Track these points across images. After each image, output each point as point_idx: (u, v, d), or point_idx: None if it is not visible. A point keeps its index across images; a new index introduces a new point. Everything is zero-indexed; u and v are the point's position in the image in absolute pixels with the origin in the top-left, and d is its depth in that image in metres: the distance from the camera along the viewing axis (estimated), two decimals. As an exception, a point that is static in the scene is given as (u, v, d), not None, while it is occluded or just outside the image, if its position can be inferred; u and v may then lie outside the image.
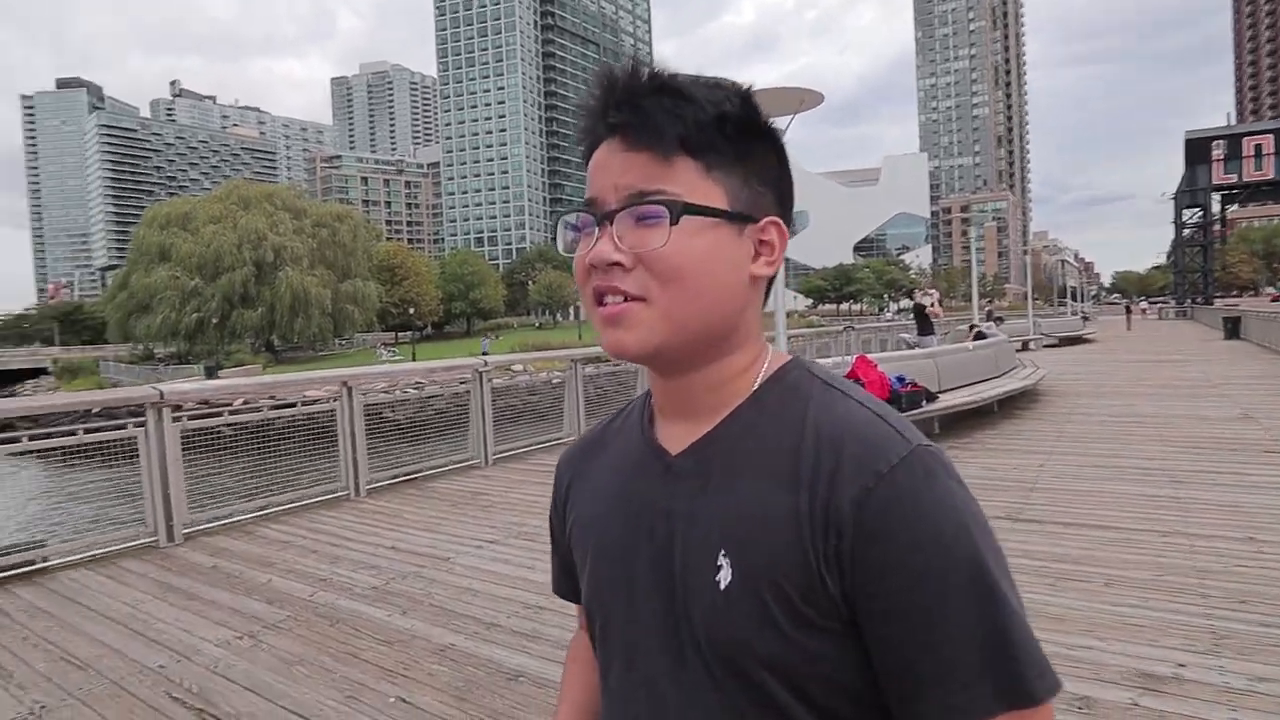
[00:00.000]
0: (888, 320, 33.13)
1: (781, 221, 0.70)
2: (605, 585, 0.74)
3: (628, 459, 0.76)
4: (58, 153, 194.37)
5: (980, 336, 13.16)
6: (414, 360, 41.16)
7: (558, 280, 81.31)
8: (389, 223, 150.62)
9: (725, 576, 0.63)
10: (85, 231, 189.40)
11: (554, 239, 0.75)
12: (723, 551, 0.64)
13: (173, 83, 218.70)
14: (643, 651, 0.70)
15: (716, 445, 0.69)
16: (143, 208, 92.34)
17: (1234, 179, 56.39)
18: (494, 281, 78.64)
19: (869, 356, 8.49)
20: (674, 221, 0.63)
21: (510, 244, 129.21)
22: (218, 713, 2.75)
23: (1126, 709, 2.57)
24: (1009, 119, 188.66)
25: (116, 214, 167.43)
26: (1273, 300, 58.37)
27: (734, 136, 0.67)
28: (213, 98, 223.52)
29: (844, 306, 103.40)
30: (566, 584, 0.86)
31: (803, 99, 6.78)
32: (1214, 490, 5.38)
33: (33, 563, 4.51)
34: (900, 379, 8.22)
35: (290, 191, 59.06)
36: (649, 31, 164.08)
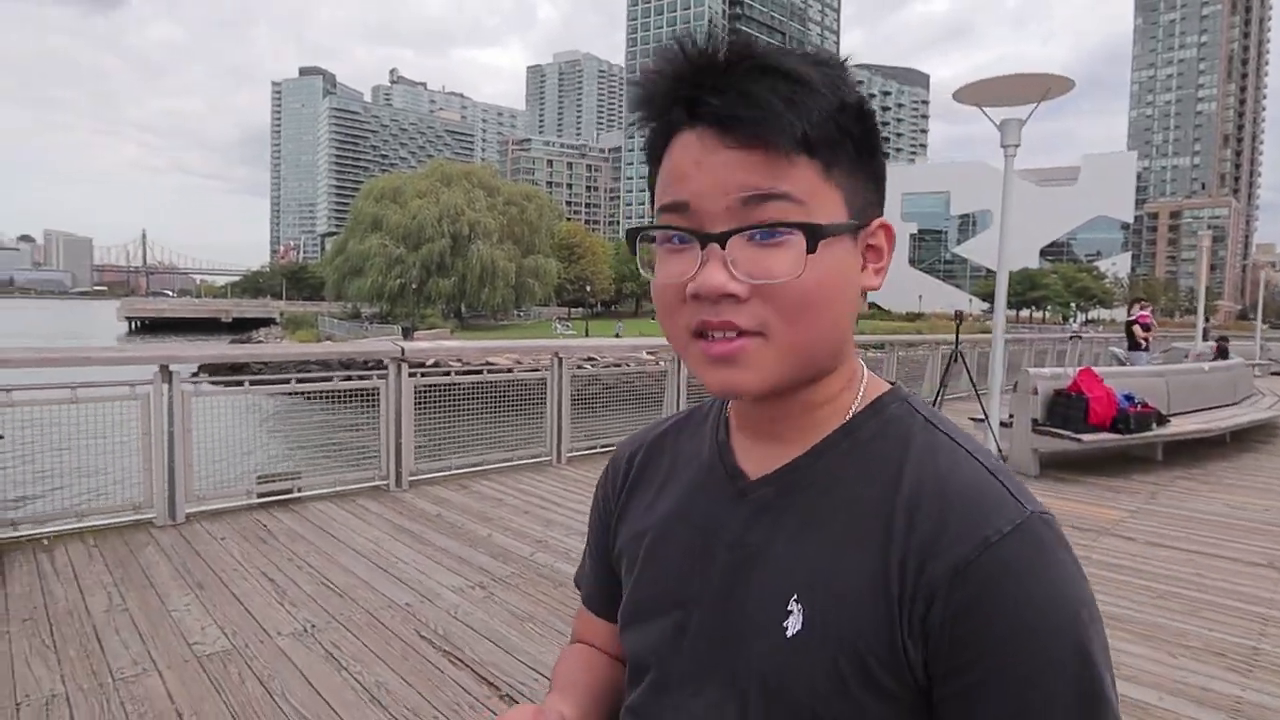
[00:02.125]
0: (1071, 332, 30.32)
1: (888, 222, 0.61)
2: (652, 603, 0.67)
3: (697, 473, 0.69)
4: (296, 131, 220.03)
5: (1224, 354, 11.60)
6: (586, 335, 42.68)
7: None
8: (569, 203, 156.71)
9: (794, 624, 0.57)
10: (312, 202, 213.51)
11: (633, 251, 0.62)
12: (795, 597, 0.58)
13: (391, 70, 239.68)
14: (679, 678, 0.64)
15: (801, 476, 0.62)
16: (359, 182, 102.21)
17: None
18: (665, 265, 79.66)
19: (1095, 370, 7.70)
20: (811, 249, 0.53)
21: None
22: (463, 657, 2.92)
23: None
24: (1240, 115, 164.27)
25: (338, 187, 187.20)
26: None
27: (852, 129, 0.56)
28: (423, 84, 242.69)
29: (1024, 313, 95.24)
30: (594, 590, 0.82)
31: (1049, 87, 6.20)
32: None
33: (289, 491, 5.06)
34: (1129, 397, 7.40)
35: (486, 171, 62.71)
36: (838, 20, 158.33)
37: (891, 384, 0.66)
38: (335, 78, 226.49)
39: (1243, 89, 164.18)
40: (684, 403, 7.61)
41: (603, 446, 7.09)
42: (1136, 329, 13.38)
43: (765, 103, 0.53)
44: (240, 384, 4.81)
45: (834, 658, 0.55)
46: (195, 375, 4.90)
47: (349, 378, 5.34)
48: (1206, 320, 19.61)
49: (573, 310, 73.22)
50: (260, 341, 43.91)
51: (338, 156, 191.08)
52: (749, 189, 0.54)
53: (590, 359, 10.60)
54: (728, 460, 0.67)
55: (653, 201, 0.61)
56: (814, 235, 0.54)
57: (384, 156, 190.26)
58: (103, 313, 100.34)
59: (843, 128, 0.56)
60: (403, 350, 5.41)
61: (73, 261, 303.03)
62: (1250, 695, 2.80)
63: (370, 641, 3.03)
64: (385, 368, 5.43)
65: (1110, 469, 6.97)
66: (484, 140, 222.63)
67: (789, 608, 0.58)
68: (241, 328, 68.54)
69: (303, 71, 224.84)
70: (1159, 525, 5.14)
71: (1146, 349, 13.18)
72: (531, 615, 3.32)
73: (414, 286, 50.78)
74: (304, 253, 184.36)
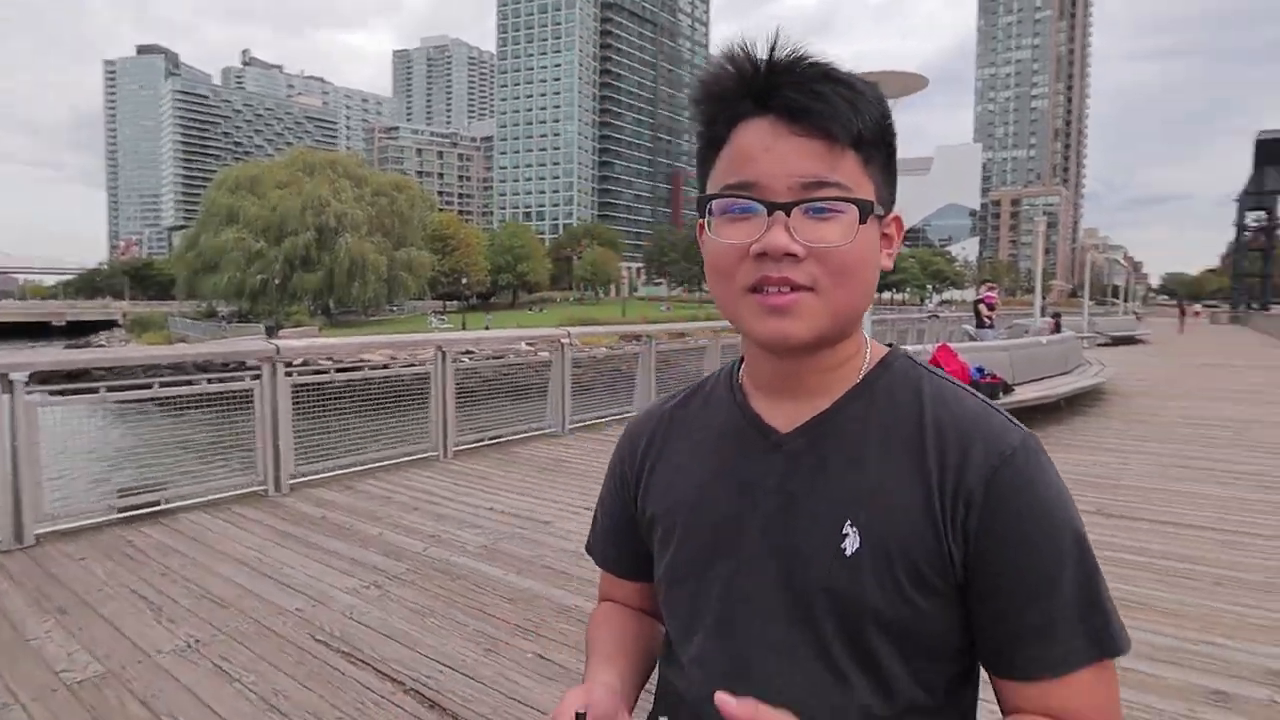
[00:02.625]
0: (928, 312, 32.90)
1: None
2: (702, 556, 0.75)
3: (723, 435, 0.78)
4: (134, 116, 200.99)
5: (1058, 329, 12.86)
6: (464, 328, 41.80)
7: (602, 257, 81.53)
8: (441, 194, 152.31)
9: (852, 544, 0.68)
10: (156, 192, 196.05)
11: (700, 218, 0.72)
12: (849, 522, 0.68)
13: (243, 51, 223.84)
14: (743, 618, 0.72)
15: (830, 426, 0.73)
16: (211, 171, 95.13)
17: (1305, 181, 54.07)
18: (541, 255, 79.16)
19: (951, 346, 8.37)
20: (863, 220, 0.66)
21: (558, 220, 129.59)
22: (363, 656, 2.87)
23: (1266, 705, 2.55)
24: (1068, 112, 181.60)
25: (185, 176, 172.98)
26: None
27: (888, 135, 0.70)
28: (280, 67, 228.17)
29: (885, 295, 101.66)
30: (619, 557, 0.90)
31: (905, 84, 6.64)
32: None
33: (156, 504, 4.73)
34: (980, 370, 8.11)
35: (352, 160, 60.06)
36: (707, 12, 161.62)
37: (889, 346, 0.80)
38: (178, 57, 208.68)
39: (1069, 88, 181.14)
40: (569, 391, 7.67)
41: (490, 439, 7.04)
42: (982, 308, 14.68)
43: (832, 100, 0.65)
44: (95, 391, 4.44)
45: (890, 567, 0.67)
46: (28, 384, 4.47)
47: (218, 380, 5.04)
48: (1043, 298, 21.63)
49: (448, 303, 71.45)
50: (102, 346, 40.16)
51: (184, 143, 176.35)
52: (809, 175, 0.65)
53: (469, 352, 10.46)
54: (754, 419, 0.76)
55: (701, 181, 0.73)
56: (865, 210, 0.67)
57: (238, 144, 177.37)
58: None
59: (884, 131, 0.69)
60: (278, 349, 5.16)
61: None
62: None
63: (262, 650, 2.92)
64: (259, 368, 5.17)
65: (965, 436, 7.61)
66: (348, 128, 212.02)
67: (844, 531, 0.68)
68: (78, 332, 62.14)
69: (141, 50, 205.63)
70: (1007, 484, 5.67)
71: (992, 326, 14.46)
72: (430, 609, 3.29)
73: (277, 282, 48.03)
74: (148, 248, 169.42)
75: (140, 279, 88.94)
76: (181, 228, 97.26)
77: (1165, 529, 4.53)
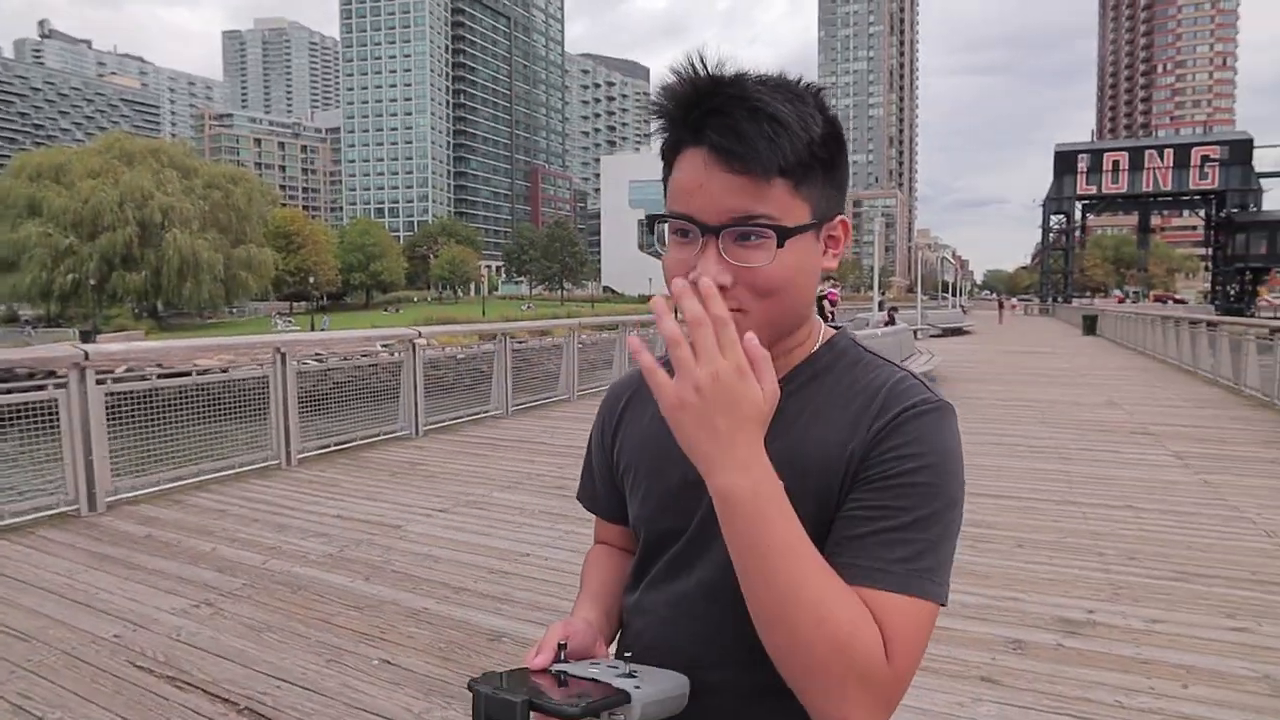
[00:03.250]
0: None
1: (847, 218, 0.82)
2: (665, 505, 0.85)
3: None
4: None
5: (892, 321, 13.90)
6: (312, 330, 39.51)
7: (460, 255, 79.61)
8: (284, 187, 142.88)
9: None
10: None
11: (650, 234, 0.81)
12: (784, 472, 0.75)
13: (41, 22, 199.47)
14: (700, 542, 0.81)
15: (782, 394, 0.79)
16: (5, 156, 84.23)
17: (1094, 190, 61.45)
18: (395, 253, 76.25)
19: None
20: (780, 245, 0.72)
21: (412, 216, 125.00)
22: (191, 679, 2.69)
23: (1054, 649, 2.92)
24: (900, 120, 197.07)
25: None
26: (1119, 301, 63.98)
27: (821, 152, 0.74)
28: (87, 42, 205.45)
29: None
30: (603, 500, 0.99)
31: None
32: (1095, 465, 6.11)
33: (-62, 533, 4.19)
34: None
35: (179, 148, 55.09)
36: (561, 8, 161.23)
37: (837, 329, 0.89)
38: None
39: (901, 99, 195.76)
40: (422, 392, 7.46)
41: (338, 444, 6.73)
42: (825, 304, 15.65)
43: (752, 141, 0.70)
44: None
45: (811, 501, 0.73)
46: None
47: (12, 391, 4.51)
48: (882, 294, 23.25)
49: (295, 304, 67.31)
50: None
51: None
52: (737, 211, 0.72)
53: (317, 355, 9.93)
54: None
55: (664, 181, 0.80)
56: (782, 235, 0.72)
57: (38, 127, 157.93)
58: None
59: (812, 155, 0.73)
60: (86, 354, 4.68)
61: None
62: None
63: (70, 683, 2.67)
64: (63, 376, 4.67)
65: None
66: (173, 113, 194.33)
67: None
68: None
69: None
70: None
71: (833, 321, 15.47)
72: (268, 624, 3.13)
73: (93, 283, 43.39)
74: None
75: (-82, 280, 77.53)
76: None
77: (977, 500, 5.02)
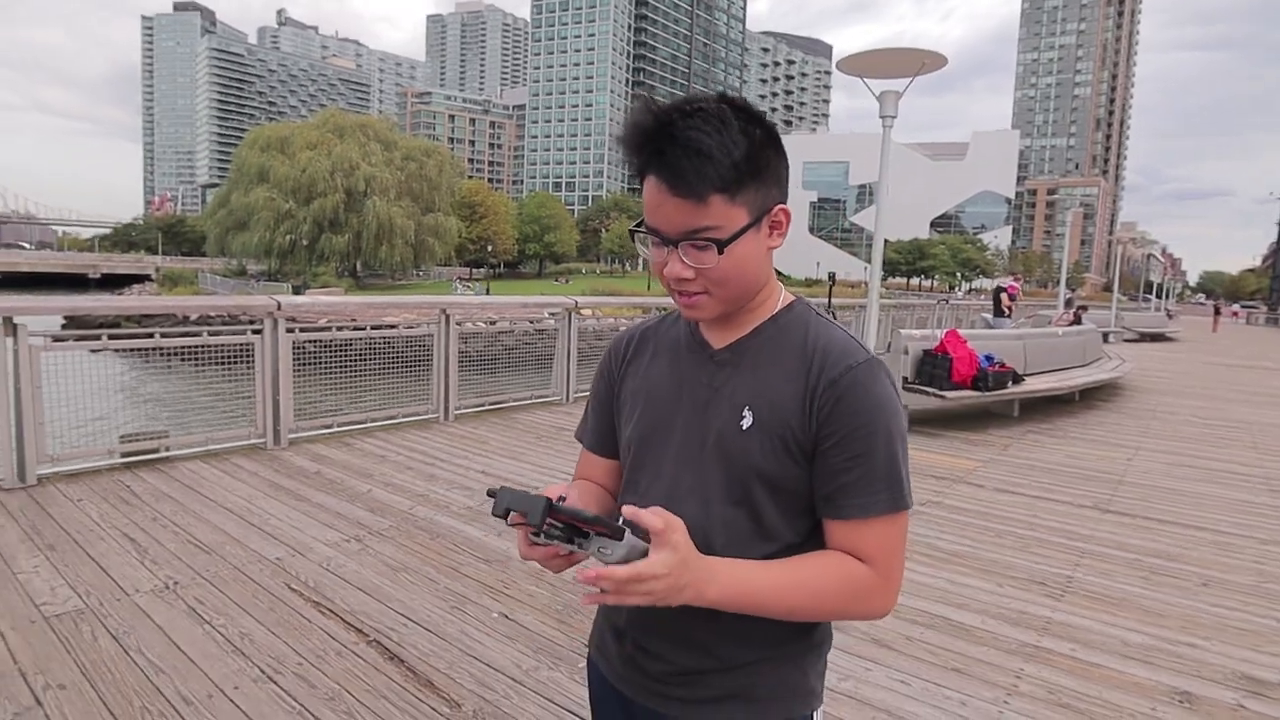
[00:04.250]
0: (958, 299, 32.44)
1: (784, 203, 1.00)
2: (653, 426, 1.08)
3: (679, 349, 1.10)
4: (171, 73, 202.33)
5: (1078, 321, 12.61)
6: (488, 295, 41.89)
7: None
8: (471, 161, 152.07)
9: (747, 422, 1.00)
10: (190, 149, 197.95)
11: (633, 240, 1.04)
12: (748, 408, 1.00)
13: (279, 11, 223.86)
14: (671, 470, 1.04)
15: (746, 346, 1.05)
16: (244, 130, 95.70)
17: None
18: (569, 226, 78.86)
19: (960, 332, 8.23)
20: (720, 252, 0.94)
21: (587, 191, 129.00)
22: (333, 607, 2.93)
23: (1231, 709, 2.51)
24: (1111, 101, 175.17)
25: (220, 134, 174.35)
26: None
27: (745, 168, 0.93)
28: (315, 28, 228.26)
29: (914, 281, 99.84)
30: (596, 436, 1.19)
31: (924, 61, 6.49)
32: None
33: (156, 451, 4.84)
34: (989, 358, 7.97)
35: (383, 123, 59.90)
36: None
37: (797, 297, 1.09)
38: (215, 15, 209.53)
39: (1114, 76, 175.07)
40: (574, 359, 7.68)
41: (492, 404, 7.08)
42: (1003, 297, 14.44)
43: (685, 175, 0.91)
44: (98, 338, 4.52)
45: (770, 437, 0.98)
46: (62, 331, 4.57)
47: (219, 333, 5.10)
48: (1072, 290, 21.21)
49: (474, 270, 71.66)
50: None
51: (220, 102, 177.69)
52: (686, 227, 0.94)
53: (492, 321, 10.49)
54: (699, 339, 1.09)
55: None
56: (720, 245, 0.94)
57: (271, 104, 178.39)
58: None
59: (738, 172, 0.92)
60: (279, 304, 5.21)
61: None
62: (1058, 616, 3.16)
63: (236, 595, 2.99)
64: (260, 324, 5.23)
65: (971, 424, 7.53)
66: (381, 91, 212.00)
67: (743, 414, 1.00)
68: (112, 284, 63.37)
69: (177, 6, 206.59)
70: (1006, 473, 5.61)
71: (1009, 316, 14.25)
72: (405, 565, 3.34)
73: (305, 243, 48.41)
74: (183, 204, 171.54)
75: (173, 235, 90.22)
76: (215, 185, 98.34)
77: (1160, 527, 4.46)
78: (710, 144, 0.91)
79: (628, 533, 0.83)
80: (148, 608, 2.86)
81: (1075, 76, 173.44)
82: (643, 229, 0.99)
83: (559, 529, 0.82)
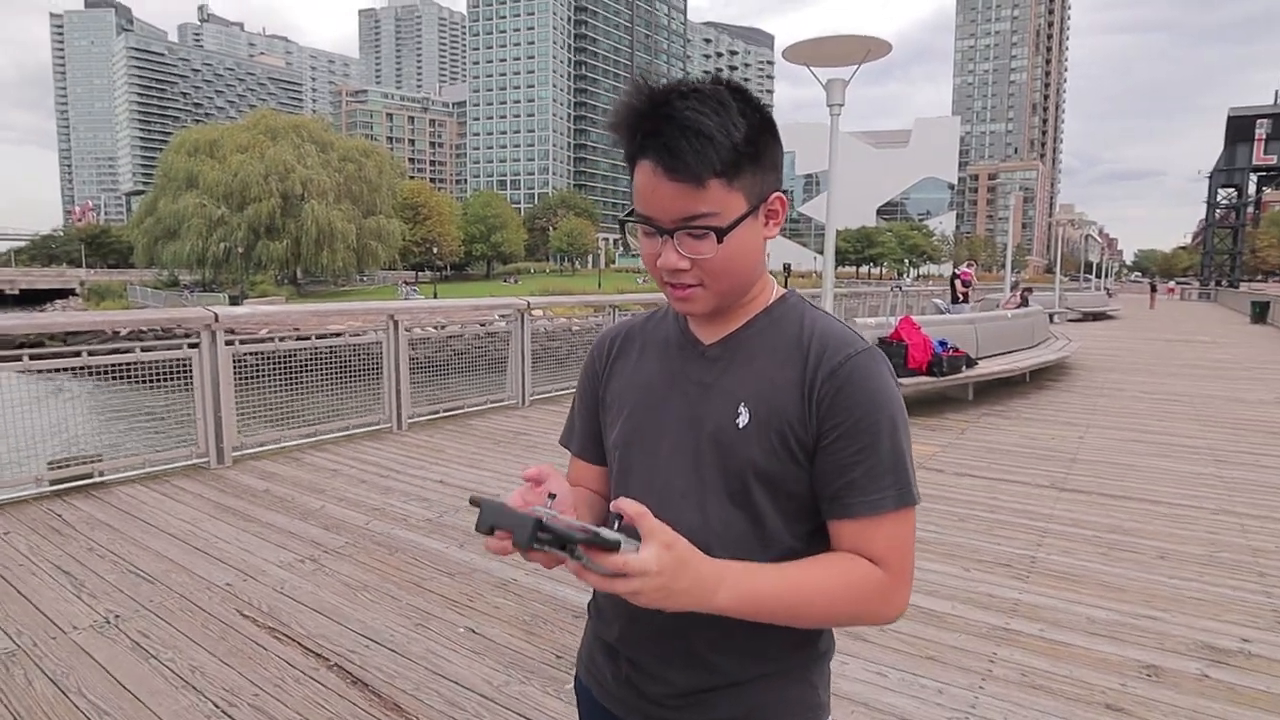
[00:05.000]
0: (906, 285, 33.15)
1: (781, 191, 0.96)
2: (642, 426, 1.02)
3: (668, 344, 1.05)
4: (86, 74, 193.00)
5: (1025, 302, 12.97)
6: (435, 298, 41.19)
7: (579, 228, 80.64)
8: (412, 160, 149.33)
9: (744, 419, 0.94)
10: (112, 155, 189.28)
11: (621, 234, 0.99)
12: (743, 404, 0.95)
13: (200, 7, 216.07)
14: (663, 472, 0.98)
15: (739, 339, 0.99)
16: (169, 133, 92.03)
17: (1274, 159, 54.83)
18: (516, 225, 78.11)
19: (914, 319, 8.37)
20: (719, 241, 0.89)
21: (533, 188, 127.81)
22: (289, 632, 2.79)
23: (1196, 679, 2.57)
24: (1046, 86, 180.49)
25: (143, 139, 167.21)
26: None
27: (745, 151, 0.88)
28: (240, 24, 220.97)
29: (864, 269, 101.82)
30: (584, 441, 1.13)
31: (869, 49, 6.52)
32: (1259, 471, 5.39)
33: (89, 476, 4.58)
34: (943, 343, 8.12)
35: (318, 124, 58.32)
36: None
37: (787, 289, 1.04)
38: (131, 12, 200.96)
39: (1048, 61, 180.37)
40: (529, 362, 7.55)
41: (446, 411, 6.92)
42: (958, 284, 14.72)
43: (681, 154, 0.85)
44: (18, 359, 4.24)
45: (768, 434, 0.93)
46: None
47: (153, 348, 4.85)
48: (1016, 273, 21.80)
49: (420, 273, 70.44)
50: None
51: (141, 104, 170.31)
52: (682, 213, 0.88)
53: (441, 325, 10.26)
54: (689, 334, 1.03)
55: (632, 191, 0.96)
56: (719, 234, 0.89)
57: (197, 105, 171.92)
58: None
59: (738, 154, 0.87)
60: (216, 316, 4.98)
61: None
62: (1026, 598, 3.20)
63: (184, 626, 2.83)
64: (197, 336, 4.99)
65: (928, 409, 7.65)
66: (314, 90, 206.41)
67: (739, 411, 0.94)
68: (31, 300, 60.21)
69: (89, 3, 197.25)
70: (965, 457, 5.71)
71: (966, 301, 14.54)
72: (364, 584, 3.21)
73: (240, 251, 46.86)
74: (105, 214, 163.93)
75: (98, 246, 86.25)
76: (140, 193, 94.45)
77: (1115, 503, 4.58)
78: (710, 124, 0.86)
79: (622, 544, 0.77)
80: (87, 645, 2.68)
81: (1011, 62, 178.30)
82: (634, 218, 0.93)
83: (550, 540, 0.76)
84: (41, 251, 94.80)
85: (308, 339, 5.77)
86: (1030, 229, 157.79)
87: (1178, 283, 73.73)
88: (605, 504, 1.10)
